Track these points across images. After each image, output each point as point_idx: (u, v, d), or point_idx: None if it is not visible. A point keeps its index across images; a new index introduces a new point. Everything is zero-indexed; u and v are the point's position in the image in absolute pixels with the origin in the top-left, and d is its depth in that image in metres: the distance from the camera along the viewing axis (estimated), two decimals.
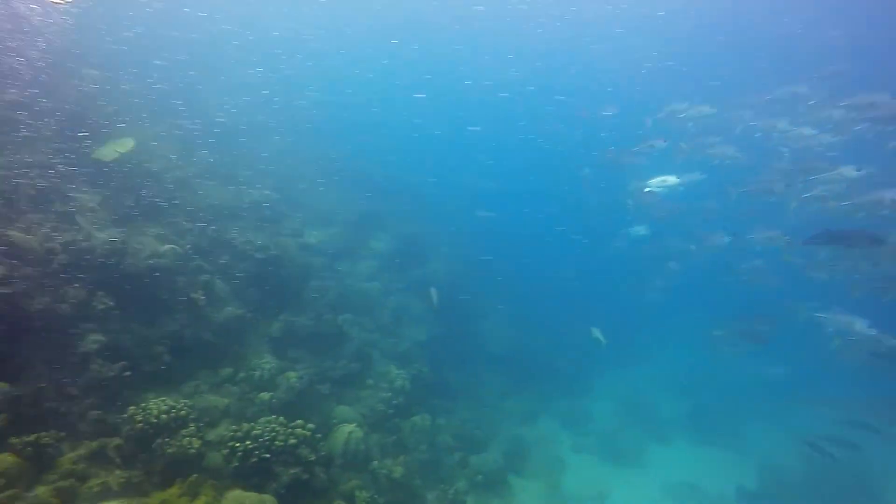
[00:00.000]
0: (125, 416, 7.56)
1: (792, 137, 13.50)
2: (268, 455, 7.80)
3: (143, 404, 7.61)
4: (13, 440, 6.52)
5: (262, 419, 8.53)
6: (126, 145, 11.83)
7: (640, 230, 18.92)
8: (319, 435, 8.95)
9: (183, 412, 7.74)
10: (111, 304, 8.64)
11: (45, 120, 11.55)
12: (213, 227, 12.62)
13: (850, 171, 10.99)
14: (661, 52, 29.11)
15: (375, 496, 9.16)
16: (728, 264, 17.91)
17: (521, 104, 32.81)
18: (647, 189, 14.88)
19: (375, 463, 10.19)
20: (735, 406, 18.92)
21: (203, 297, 10.99)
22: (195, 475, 7.16)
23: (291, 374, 10.82)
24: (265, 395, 9.95)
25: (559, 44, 32.12)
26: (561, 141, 29.30)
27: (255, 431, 8.07)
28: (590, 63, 32.37)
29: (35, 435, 6.65)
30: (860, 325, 11.20)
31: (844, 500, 13.94)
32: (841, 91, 13.82)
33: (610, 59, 31.38)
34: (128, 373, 8.08)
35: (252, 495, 7.04)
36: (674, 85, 26.07)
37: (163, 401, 7.81)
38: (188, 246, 11.65)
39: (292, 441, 8.14)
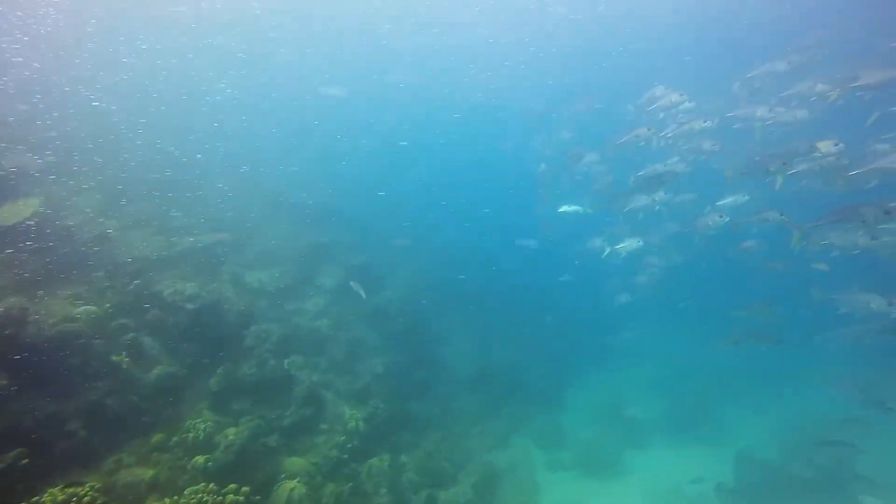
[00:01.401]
0: None
1: (776, 122, 13.28)
2: None
3: (37, 497, 6.76)
4: None
5: (189, 489, 7.74)
6: (31, 205, 11.00)
7: (531, 243, 18.67)
8: (258, 497, 8.19)
9: (87, 498, 6.90)
10: (4, 382, 7.78)
11: None
12: (138, 281, 11.80)
13: (827, 146, 10.58)
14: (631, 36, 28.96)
15: None
16: (724, 251, 17.22)
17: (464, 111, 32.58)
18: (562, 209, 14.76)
19: None
20: (714, 398, 18.69)
21: (127, 359, 10.17)
22: None
23: (231, 430, 10.03)
24: (200, 459, 9.13)
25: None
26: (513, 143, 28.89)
27: None
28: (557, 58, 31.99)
29: None
30: (878, 303, 10.92)
31: (824, 488, 13.67)
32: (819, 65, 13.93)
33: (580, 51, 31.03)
34: (25, 460, 7.20)
35: None
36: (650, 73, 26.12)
37: (63, 488, 6.96)
38: (108, 305, 10.81)
39: None
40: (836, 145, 10.85)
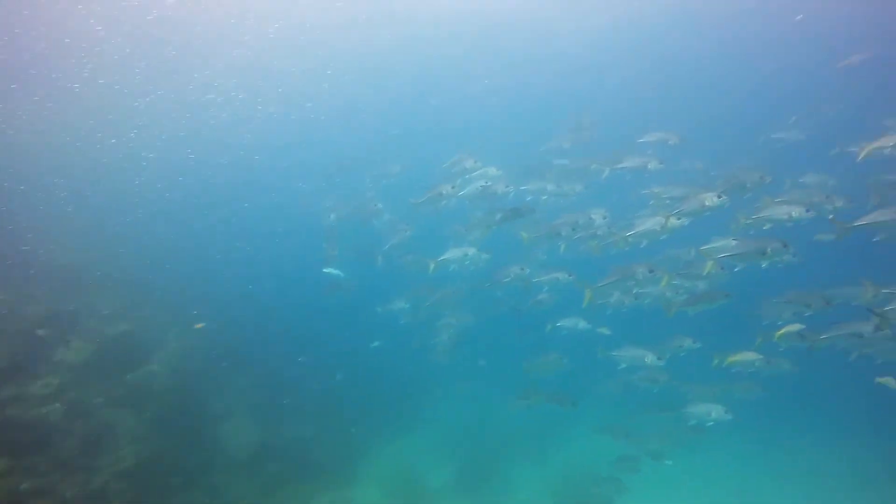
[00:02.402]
0: None
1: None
2: None
3: None
4: None
5: None
6: None
7: (334, 271, 18.41)
8: None
9: None
10: None
11: None
12: None
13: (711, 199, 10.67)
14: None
15: None
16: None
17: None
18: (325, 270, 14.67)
19: None
20: (505, 455, 19.40)
21: None
22: None
23: None
24: None
25: None
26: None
27: None
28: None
29: None
30: (650, 357, 11.96)
31: None
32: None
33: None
34: None
35: None
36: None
37: None
38: None
39: None
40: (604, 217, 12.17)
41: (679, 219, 10.51)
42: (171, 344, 16.73)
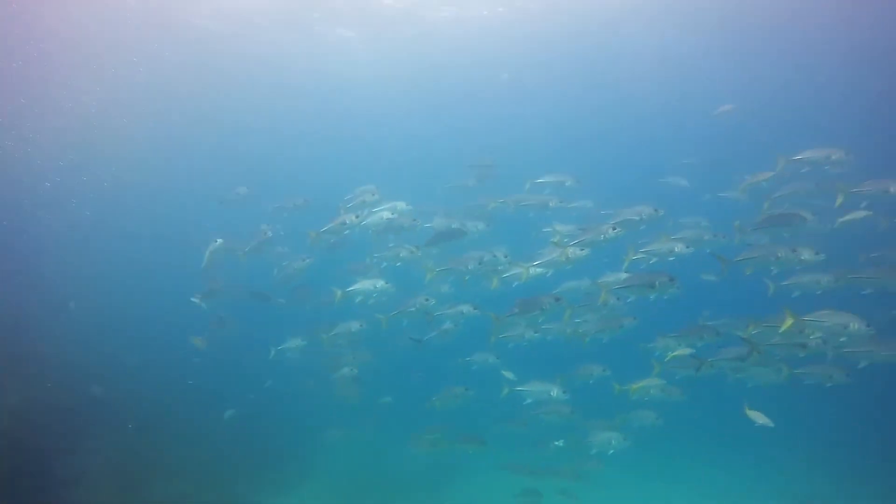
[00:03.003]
0: None
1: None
2: None
3: None
4: None
5: None
6: None
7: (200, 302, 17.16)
8: None
9: None
10: None
11: None
12: None
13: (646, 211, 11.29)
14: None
15: None
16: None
17: None
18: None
19: None
20: (401, 497, 18.38)
21: None
22: None
23: None
24: None
25: None
26: None
27: None
28: None
29: None
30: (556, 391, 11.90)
31: None
32: None
33: None
34: None
35: None
36: None
37: None
38: None
39: None
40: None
41: (582, 249, 11.06)
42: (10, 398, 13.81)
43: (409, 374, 21.60)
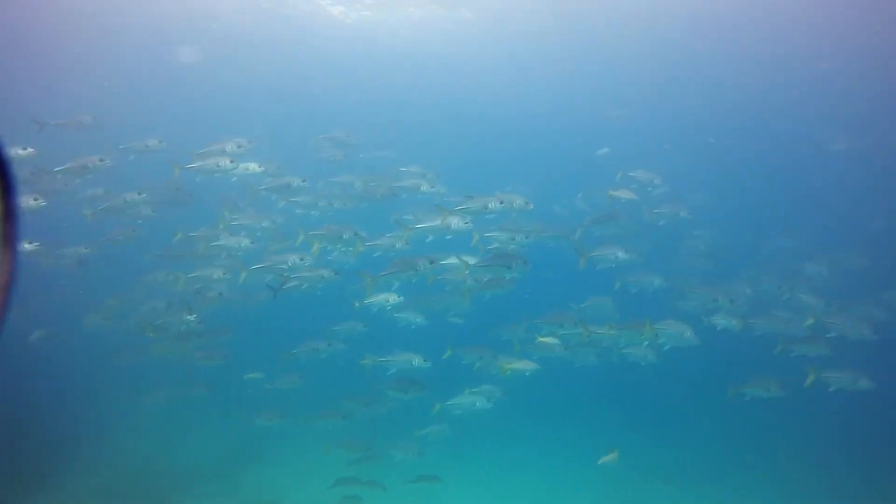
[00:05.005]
0: None
1: None
2: None
3: None
4: None
5: None
6: None
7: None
8: None
9: None
10: None
11: None
12: None
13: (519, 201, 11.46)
14: None
15: None
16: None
17: None
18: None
19: None
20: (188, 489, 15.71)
21: None
22: None
23: None
24: None
25: None
26: None
27: None
28: None
29: None
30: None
31: None
32: None
33: None
34: None
35: None
36: None
37: None
38: None
39: None
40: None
41: (465, 220, 11.35)
42: None
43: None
